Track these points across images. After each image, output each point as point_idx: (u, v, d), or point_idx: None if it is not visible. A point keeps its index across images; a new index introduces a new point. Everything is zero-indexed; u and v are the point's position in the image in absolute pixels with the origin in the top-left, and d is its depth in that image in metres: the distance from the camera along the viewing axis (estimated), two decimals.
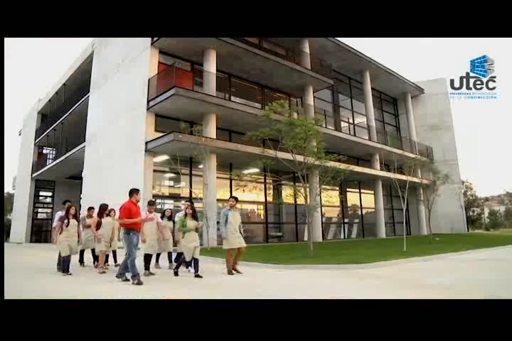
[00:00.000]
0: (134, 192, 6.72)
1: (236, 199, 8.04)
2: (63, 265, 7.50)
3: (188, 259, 7.31)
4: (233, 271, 7.50)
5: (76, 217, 7.98)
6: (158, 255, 8.63)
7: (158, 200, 15.69)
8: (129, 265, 6.37)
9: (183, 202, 16.92)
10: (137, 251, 6.54)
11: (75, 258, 8.12)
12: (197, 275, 7.08)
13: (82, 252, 9.01)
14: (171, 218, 8.66)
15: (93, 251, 8.73)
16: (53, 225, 8.63)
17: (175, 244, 8.36)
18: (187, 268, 7.84)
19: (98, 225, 8.21)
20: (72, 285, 6.34)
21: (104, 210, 8.42)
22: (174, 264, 7.95)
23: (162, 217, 8.51)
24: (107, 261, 8.46)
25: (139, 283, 6.11)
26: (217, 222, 14.50)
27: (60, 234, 7.64)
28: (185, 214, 7.62)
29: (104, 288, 6.12)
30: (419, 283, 6.41)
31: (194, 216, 7.59)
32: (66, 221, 7.63)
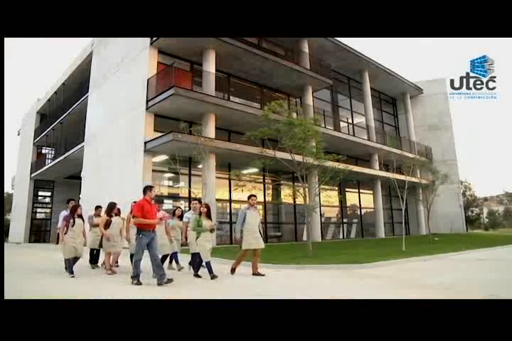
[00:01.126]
0: (147, 189, 6.52)
1: (256, 197, 7.59)
2: (69, 267, 7.30)
3: (207, 260, 6.89)
4: (256, 275, 7.17)
5: (81, 216, 7.67)
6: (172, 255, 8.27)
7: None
8: (132, 264, 6.29)
9: (181, 202, 16.99)
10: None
11: (81, 260, 7.77)
12: (196, 275, 7.06)
13: (92, 251, 8.67)
14: (181, 217, 8.34)
15: (97, 251, 8.56)
16: (58, 225, 8.43)
17: (184, 244, 8.06)
18: (189, 268, 7.72)
19: (107, 224, 7.87)
20: (72, 285, 6.33)
21: (112, 209, 8.09)
22: (185, 266, 7.80)
23: (172, 216, 8.29)
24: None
25: (138, 283, 6.08)
26: (219, 222, 14.48)
27: (65, 234, 7.34)
28: (200, 213, 7.20)
29: (104, 288, 6.12)
30: (419, 282, 6.41)
31: (209, 215, 7.20)
32: (72, 221, 7.35)
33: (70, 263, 7.28)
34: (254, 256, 7.34)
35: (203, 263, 7.06)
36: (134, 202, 8.20)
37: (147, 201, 6.42)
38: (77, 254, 7.38)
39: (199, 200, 8.18)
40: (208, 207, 7.28)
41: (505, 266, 9.29)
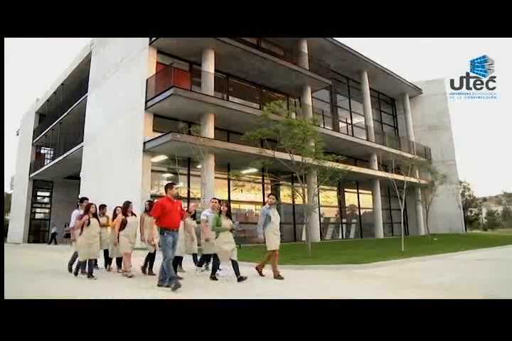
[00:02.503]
0: (167, 187, 6.20)
1: (274, 196, 7.36)
2: (81, 268, 7.13)
3: (224, 261, 6.70)
4: (259, 274, 7.08)
5: (96, 216, 7.33)
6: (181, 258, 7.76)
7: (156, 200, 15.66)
8: (164, 267, 5.79)
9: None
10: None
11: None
12: (240, 278, 6.50)
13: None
14: (194, 216, 8.07)
15: (106, 252, 8.14)
16: (71, 225, 8.09)
17: (199, 244, 7.83)
18: (197, 267, 7.60)
19: (123, 224, 7.51)
20: (72, 285, 6.32)
21: (127, 208, 7.73)
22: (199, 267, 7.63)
23: None
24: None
25: (177, 286, 5.49)
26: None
27: (80, 234, 7.05)
28: (220, 212, 6.89)
29: (104, 288, 6.11)
30: (419, 283, 6.41)
31: (228, 214, 6.94)
32: (87, 221, 7.01)
33: (81, 265, 7.13)
34: (270, 256, 7.15)
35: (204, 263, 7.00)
36: (148, 200, 8.10)
37: (169, 199, 6.09)
38: (93, 256, 7.06)
39: (219, 200, 7.82)
40: (228, 205, 7.09)
41: (505, 266, 9.29)
